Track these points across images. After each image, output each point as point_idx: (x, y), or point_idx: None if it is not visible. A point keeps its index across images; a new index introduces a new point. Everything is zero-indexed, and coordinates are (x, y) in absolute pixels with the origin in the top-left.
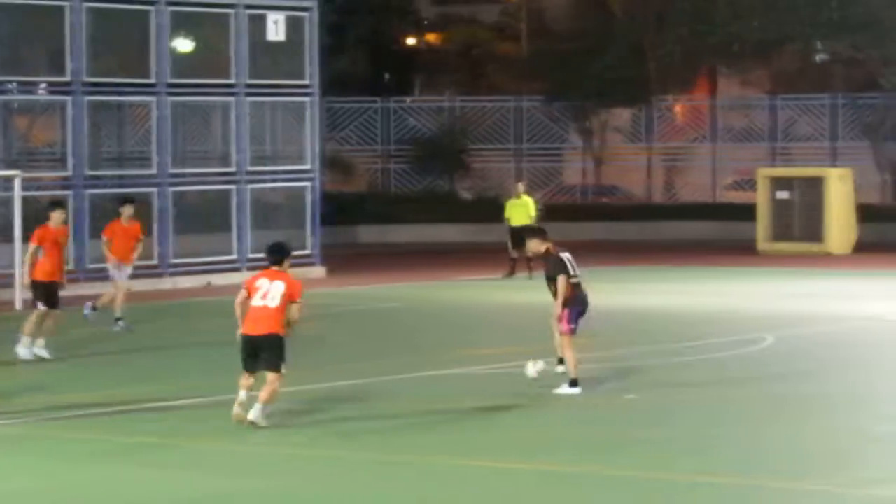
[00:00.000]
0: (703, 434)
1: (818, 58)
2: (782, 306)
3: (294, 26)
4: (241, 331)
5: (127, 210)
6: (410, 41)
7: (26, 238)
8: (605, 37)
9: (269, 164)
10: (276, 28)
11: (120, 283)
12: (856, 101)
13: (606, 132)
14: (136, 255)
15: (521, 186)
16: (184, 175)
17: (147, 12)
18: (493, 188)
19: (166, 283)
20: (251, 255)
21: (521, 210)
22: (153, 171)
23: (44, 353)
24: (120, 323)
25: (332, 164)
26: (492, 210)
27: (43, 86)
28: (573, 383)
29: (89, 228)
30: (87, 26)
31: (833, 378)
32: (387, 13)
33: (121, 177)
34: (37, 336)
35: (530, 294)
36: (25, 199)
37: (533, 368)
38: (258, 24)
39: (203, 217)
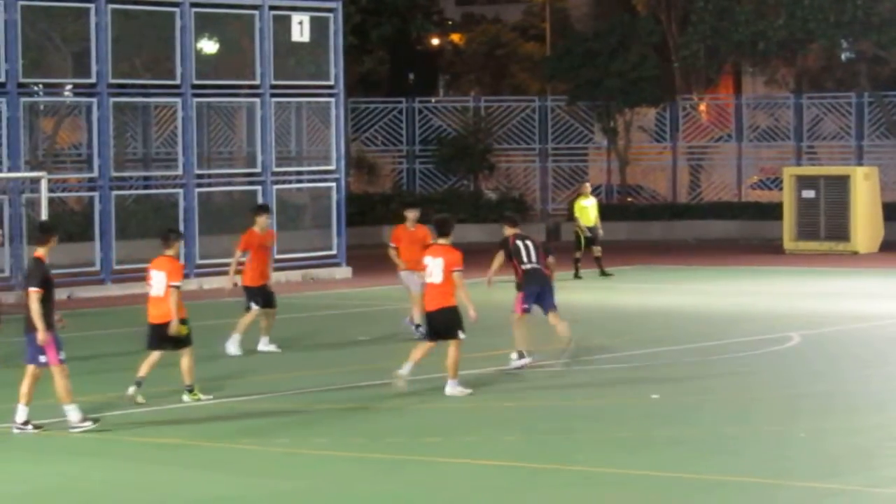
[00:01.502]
0: (729, 433)
1: (843, 56)
2: (808, 305)
3: (318, 27)
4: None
5: (411, 214)
6: (435, 41)
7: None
8: (629, 36)
9: (294, 165)
10: (300, 28)
11: (414, 291)
12: (882, 99)
13: (631, 131)
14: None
15: (587, 187)
16: (209, 176)
17: (172, 13)
18: (517, 188)
19: (192, 285)
20: (277, 256)
21: (590, 210)
22: (179, 172)
23: (272, 348)
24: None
25: (357, 164)
26: (516, 210)
27: (68, 88)
28: (520, 354)
29: (115, 230)
30: (112, 28)
31: (858, 377)
32: (411, 13)
33: (146, 178)
34: (263, 334)
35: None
36: (51, 201)
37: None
38: (283, 24)
39: (229, 218)
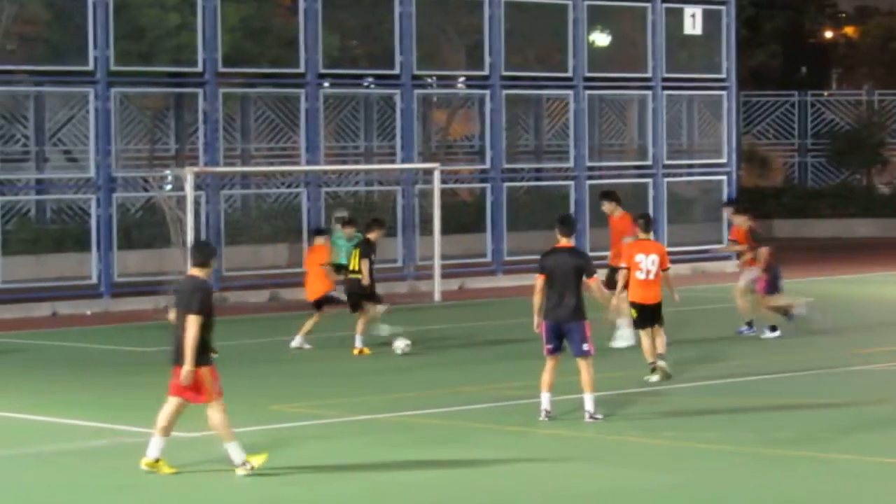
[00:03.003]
0: None
1: None
2: None
3: (711, 19)
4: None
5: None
6: (828, 34)
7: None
8: None
9: (685, 158)
10: (693, 21)
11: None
12: None
13: None
14: None
15: None
16: (600, 168)
17: (565, 6)
18: None
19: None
20: (667, 249)
21: None
22: (570, 164)
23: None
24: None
25: (749, 157)
26: None
27: (461, 79)
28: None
29: (506, 221)
30: (505, 20)
31: None
32: (804, 6)
33: (538, 170)
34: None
35: None
36: (443, 192)
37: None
38: (675, 17)
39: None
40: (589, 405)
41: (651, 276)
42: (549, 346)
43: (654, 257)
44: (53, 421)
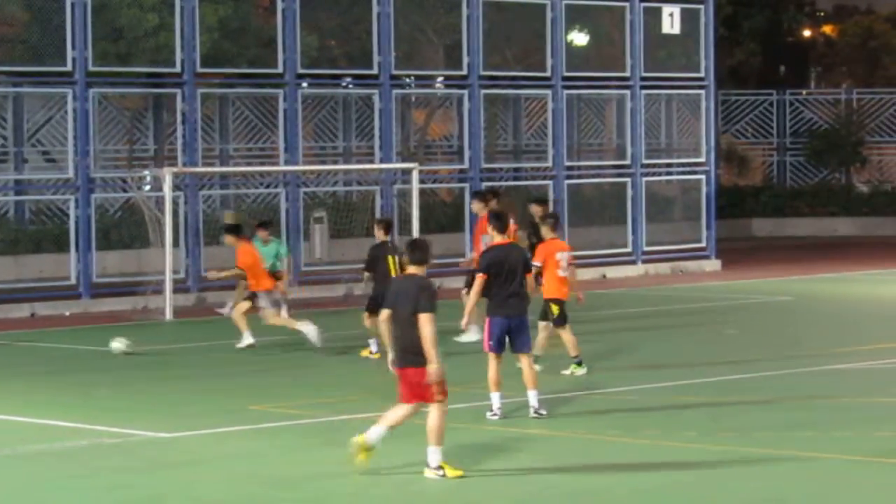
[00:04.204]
0: None
1: None
2: None
3: (689, 18)
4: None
5: None
6: (806, 33)
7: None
8: None
9: (663, 157)
10: (671, 20)
11: None
12: None
13: None
14: None
15: None
16: (579, 168)
17: (543, 6)
18: (890, 181)
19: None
20: (646, 248)
21: None
22: (548, 163)
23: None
24: None
25: (727, 156)
26: (889, 203)
27: (440, 80)
28: None
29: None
30: (484, 20)
31: None
32: (782, 5)
33: (516, 169)
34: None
35: None
36: (422, 192)
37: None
38: (653, 16)
39: (598, 210)
40: (534, 401)
41: (566, 274)
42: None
43: (568, 255)
44: (32, 421)
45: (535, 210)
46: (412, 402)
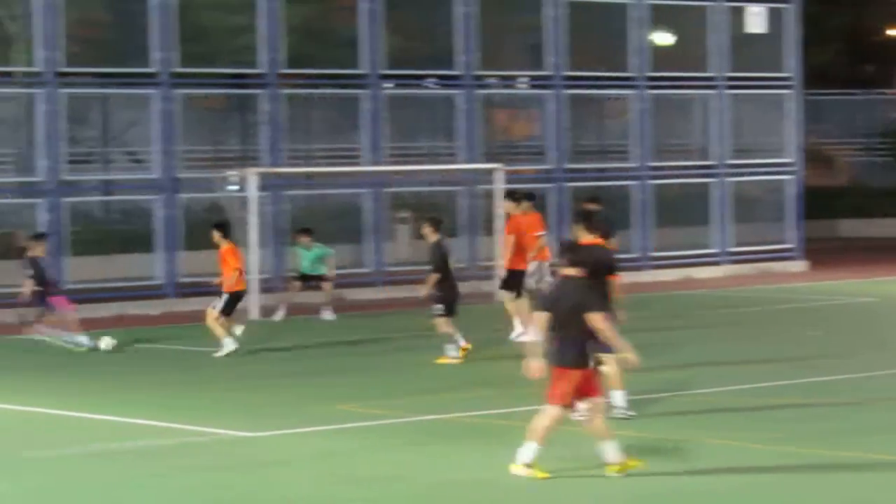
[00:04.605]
0: None
1: None
2: None
3: (774, 18)
4: None
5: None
6: (892, 32)
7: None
8: None
9: (748, 158)
10: (756, 20)
11: None
12: None
13: None
14: None
15: None
16: (663, 168)
17: (625, 6)
18: None
19: (647, 276)
20: (731, 249)
21: None
22: (632, 164)
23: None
24: None
25: (812, 156)
26: None
27: (523, 80)
28: None
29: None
30: (568, 20)
31: None
32: (868, 4)
33: (600, 170)
34: None
35: None
36: None
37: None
38: (738, 15)
39: (682, 210)
40: (620, 401)
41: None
42: None
43: None
44: (117, 420)
45: (591, 208)
46: (569, 402)
